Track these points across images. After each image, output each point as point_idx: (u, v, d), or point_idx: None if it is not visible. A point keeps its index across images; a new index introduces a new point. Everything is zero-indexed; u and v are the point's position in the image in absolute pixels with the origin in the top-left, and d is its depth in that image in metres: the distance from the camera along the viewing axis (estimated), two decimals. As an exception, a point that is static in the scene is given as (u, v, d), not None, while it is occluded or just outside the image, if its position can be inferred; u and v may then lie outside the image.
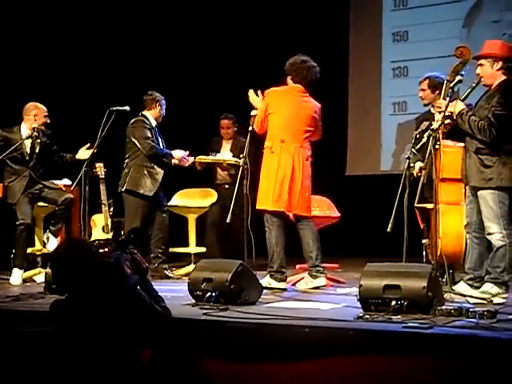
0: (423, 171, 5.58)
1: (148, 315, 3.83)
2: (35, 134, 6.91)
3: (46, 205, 7.20)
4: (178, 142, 7.41)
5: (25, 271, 6.98)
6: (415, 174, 5.95)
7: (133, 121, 7.17)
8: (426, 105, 6.42)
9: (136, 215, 6.96)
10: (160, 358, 4.26)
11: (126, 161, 7.14)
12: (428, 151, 5.41)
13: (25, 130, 7.00)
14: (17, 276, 6.82)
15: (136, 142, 7.07)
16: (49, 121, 7.06)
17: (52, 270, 3.91)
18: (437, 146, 5.42)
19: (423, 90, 6.38)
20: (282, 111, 6.10)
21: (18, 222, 6.89)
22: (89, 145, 7.01)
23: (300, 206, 6.13)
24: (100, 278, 3.78)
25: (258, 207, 6.08)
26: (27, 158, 6.95)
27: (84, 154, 7.02)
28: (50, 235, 6.96)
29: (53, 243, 6.89)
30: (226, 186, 7.70)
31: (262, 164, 6.12)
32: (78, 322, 3.72)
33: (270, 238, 6.08)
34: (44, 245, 7.15)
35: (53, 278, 3.95)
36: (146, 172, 7.03)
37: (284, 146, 6.05)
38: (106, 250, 4.08)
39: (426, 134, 5.45)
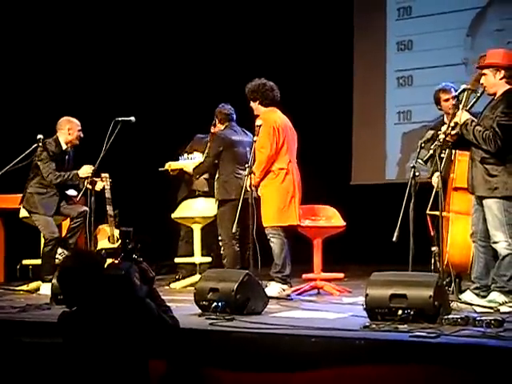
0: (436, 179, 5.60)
1: (156, 326, 3.82)
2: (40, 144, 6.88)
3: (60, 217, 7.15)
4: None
5: (31, 282, 6.97)
6: (433, 184, 5.97)
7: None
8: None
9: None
10: (174, 369, 4.25)
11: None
12: (434, 160, 5.41)
13: (62, 143, 6.99)
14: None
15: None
16: (82, 135, 7.04)
17: (60, 283, 3.87)
18: (442, 155, 5.43)
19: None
20: (288, 133, 6.47)
21: (49, 237, 6.79)
22: (91, 166, 6.94)
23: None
24: (110, 291, 3.76)
25: (281, 224, 6.36)
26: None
27: (87, 170, 6.95)
28: (63, 251, 6.85)
29: None
30: (202, 194, 7.60)
31: (276, 184, 6.39)
32: (86, 333, 3.70)
33: (282, 245, 6.37)
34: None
35: (61, 290, 3.92)
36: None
37: (292, 165, 6.48)
38: (116, 261, 4.04)
39: (433, 146, 5.44)
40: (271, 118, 6.42)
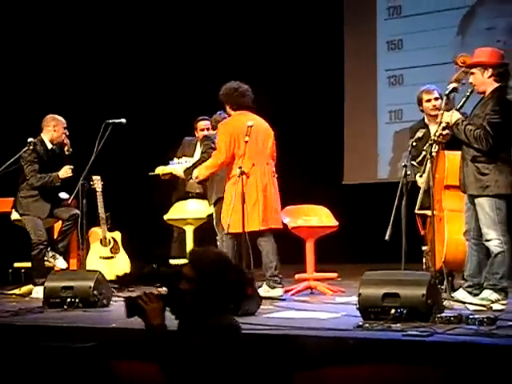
0: (422, 178, 5.61)
1: None
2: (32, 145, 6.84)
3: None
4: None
5: (23, 285, 6.95)
6: (419, 184, 5.96)
7: None
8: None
9: None
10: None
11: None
12: (425, 159, 5.43)
13: (47, 141, 6.96)
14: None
15: None
16: (67, 133, 7.00)
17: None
18: (433, 154, 5.45)
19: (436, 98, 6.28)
20: (251, 138, 6.24)
21: (37, 241, 6.77)
22: (71, 166, 6.93)
23: (275, 220, 6.40)
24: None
25: (234, 230, 6.14)
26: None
27: (66, 171, 6.88)
28: (55, 253, 6.83)
29: (61, 262, 6.82)
30: (195, 195, 7.65)
31: (235, 189, 6.11)
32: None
33: (221, 247, 6.30)
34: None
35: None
36: None
37: (256, 168, 6.30)
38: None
39: (426, 147, 5.46)
40: (230, 123, 6.43)
